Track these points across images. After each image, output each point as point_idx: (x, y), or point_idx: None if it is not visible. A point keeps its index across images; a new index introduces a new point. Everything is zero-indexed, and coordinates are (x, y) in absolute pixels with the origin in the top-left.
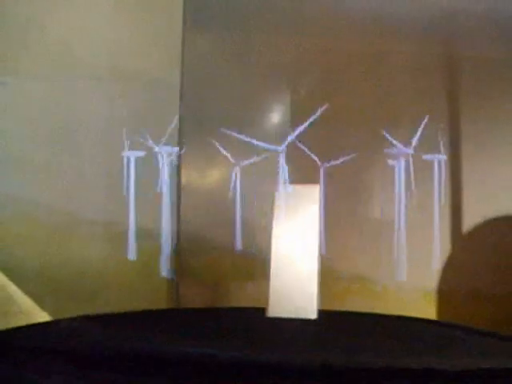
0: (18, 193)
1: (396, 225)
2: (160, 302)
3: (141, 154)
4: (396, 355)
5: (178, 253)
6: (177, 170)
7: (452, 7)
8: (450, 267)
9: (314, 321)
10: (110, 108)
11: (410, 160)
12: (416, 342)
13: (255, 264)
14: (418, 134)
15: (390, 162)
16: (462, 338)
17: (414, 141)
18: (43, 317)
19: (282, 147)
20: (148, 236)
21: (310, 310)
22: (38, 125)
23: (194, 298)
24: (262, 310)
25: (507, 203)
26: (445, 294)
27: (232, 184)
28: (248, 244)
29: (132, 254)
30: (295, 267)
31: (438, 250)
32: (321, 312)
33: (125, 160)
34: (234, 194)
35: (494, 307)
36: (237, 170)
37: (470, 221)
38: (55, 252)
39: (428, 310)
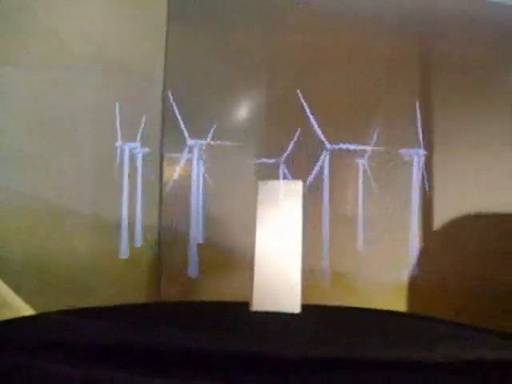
0: (7, 185)
1: (368, 220)
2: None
3: (134, 145)
4: (379, 347)
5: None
6: (160, 162)
7: (427, 4)
8: (421, 262)
9: (298, 315)
10: (99, 98)
11: (380, 155)
12: (398, 334)
13: (218, 256)
14: (392, 129)
15: (360, 158)
16: (448, 331)
17: (377, 136)
18: (28, 310)
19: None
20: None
21: (294, 304)
22: (26, 115)
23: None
24: (246, 305)
25: (479, 200)
26: (415, 287)
27: (194, 176)
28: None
29: (124, 249)
30: (279, 262)
31: (410, 244)
32: (304, 306)
33: (118, 151)
34: (198, 186)
35: (463, 300)
36: (200, 162)
37: (441, 217)
38: (43, 244)
39: (398, 304)
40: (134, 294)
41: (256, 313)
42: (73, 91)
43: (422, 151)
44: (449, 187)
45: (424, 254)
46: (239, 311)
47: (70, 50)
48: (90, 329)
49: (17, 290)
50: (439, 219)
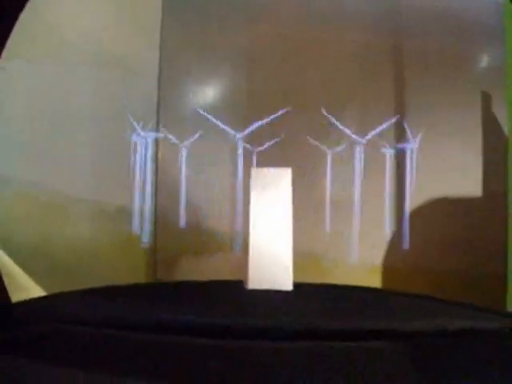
0: (17, 173)
1: (347, 205)
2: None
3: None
4: (369, 319)
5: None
6: (155, 152)
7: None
8: (396, 245)
9: (290, 292)
10: (96, 93)
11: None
12: (386, 308)
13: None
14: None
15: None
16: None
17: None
18: (39, 292)
19: (241, 135)
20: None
21: (286, 282)
22: (33, 107)
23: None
24: (241, 283)
25: (452, 186)
26: (390, 270)
27: (178, 163)
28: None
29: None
30: (271, 243)
31: (385, 229)
32: (295, 284)
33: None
34: (180, 173)
35: (437, 283)
36: (183, 150)
37: (416, 202)
38: (51, 230)
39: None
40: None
41: (252, 290)
42: (74, 85)
43: (395, 140)
44: (421, 174)
45: (399, 238)
46: (238, 289)
47: (70, 46)
48: (101, 308)
49: (28, 272)
50: (411, 204)
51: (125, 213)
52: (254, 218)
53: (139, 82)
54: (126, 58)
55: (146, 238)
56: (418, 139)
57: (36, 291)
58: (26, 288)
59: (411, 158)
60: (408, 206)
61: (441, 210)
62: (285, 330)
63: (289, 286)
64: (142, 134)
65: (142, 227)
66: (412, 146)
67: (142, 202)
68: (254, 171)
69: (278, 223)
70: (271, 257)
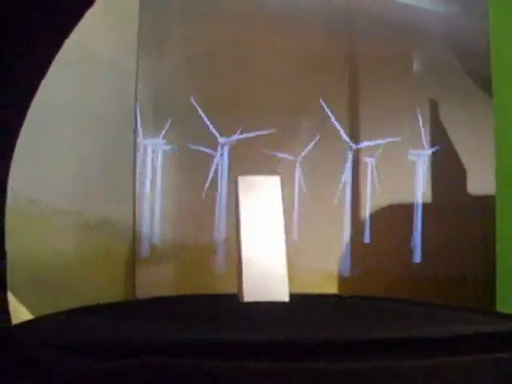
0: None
1: (297, 213)
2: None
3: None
4: (365, 328)
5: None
6: (133, 155)
7: (352, 8)
8: (352, 252)
9: (287, 303)
10: (79, 92)
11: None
12: (379, 316)
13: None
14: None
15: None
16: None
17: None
18: (22, 311)
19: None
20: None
21: (282, 293)
22: None
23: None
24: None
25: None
26: (344, 276)
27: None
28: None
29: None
30: (265, 253)
31: (341, 235)
32: (291, 295)
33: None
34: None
35: (392, 287)
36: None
37: (374, 208)
38: (33, 243)
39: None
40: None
41: (248, 303)
42: (54, 84)
43: (354, 145)
44: (381, 181)
45: (355, 244)
46: (232, 303)
47: None
48: (99, 327)
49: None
50: (371, 213)
51: (106, 224)
52: (245, 229)
53: (118, 83)
54: (105, 55)
55: (125, 250)
56: (378, 146)
57: (19, 310)
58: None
59: (370, 166)
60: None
61: (399, 217)
62: (280, 342)
63: (285, 297)
64: (123, 140)
65: (123, 239)
66: (371, 151)
67: (123, 213)
68: (241, 179)
69: (270, 233)
70: (265, 268)
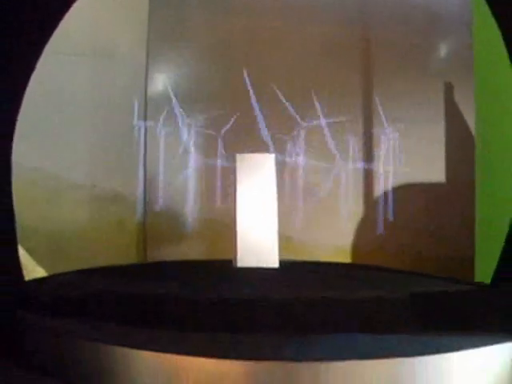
0: (21, 160)
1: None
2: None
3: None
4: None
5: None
6: (144, 139)
7: None
8: (359, 227)
9: (277, 269)
10: (93, 82)
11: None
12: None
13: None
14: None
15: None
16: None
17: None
18: (39, 271)
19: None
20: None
21: (272, 260)
22: (34, 95)
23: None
24: (230, 262)
25: (411, 172)
26: (353, 250)
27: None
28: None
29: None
30: (258, 224)
31: (348, 213)
32: (280, 261)
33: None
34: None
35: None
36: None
37: (380, 188)
38: (51, 213)
39: None
40: None
41: (241, 268)
42: (70, 74)
43: (361, 128)
44: (385, 161)
45: (362, 220)
46: (227, 267)
47: (65, 38)
48: (102, 286)
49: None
50: (377, 191)
51: (118, 197)
52: (241, 201)
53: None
54: (117, 48)
55: (137, 220)
56: (387, 129)
57: (36, 270)
58: (25, 266)
59: (379, 147)
60: (380, 193)
61: (403, 196)
62: (270, 300)
63: (275, 264)
64: (134, 123)
65: (134, 210)
66: (380, 134)
67: (134, 187)
68: (239, 157)
69: (263, 205)
70: (257, 237)
